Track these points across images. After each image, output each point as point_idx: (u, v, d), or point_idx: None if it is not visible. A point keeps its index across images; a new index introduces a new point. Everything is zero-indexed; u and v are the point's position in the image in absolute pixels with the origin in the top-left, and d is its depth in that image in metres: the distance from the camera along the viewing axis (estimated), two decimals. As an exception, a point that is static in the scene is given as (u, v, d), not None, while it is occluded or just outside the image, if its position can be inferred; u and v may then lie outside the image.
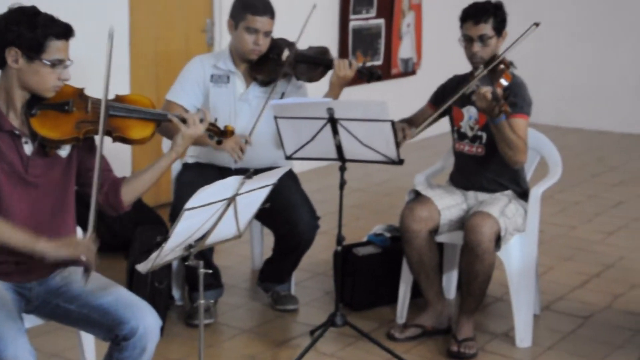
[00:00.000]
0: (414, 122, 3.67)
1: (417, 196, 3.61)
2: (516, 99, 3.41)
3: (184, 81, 3.68)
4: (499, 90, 3.25)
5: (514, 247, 3.49)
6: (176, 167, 3.84)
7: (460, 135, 3.65)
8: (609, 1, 7.82)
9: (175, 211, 3.33)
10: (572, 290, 4.13)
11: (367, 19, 6.76)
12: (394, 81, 7.07)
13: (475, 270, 3.35)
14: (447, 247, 3.86)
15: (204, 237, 2.48)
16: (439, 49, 7.23)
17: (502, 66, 3.40)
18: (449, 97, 3.51)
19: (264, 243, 4.24)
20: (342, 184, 3.32)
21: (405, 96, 6.16)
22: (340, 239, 3.37)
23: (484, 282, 3.39)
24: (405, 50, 7.22)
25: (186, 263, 2.51)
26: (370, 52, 6.84)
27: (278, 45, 3.69)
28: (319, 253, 4.28)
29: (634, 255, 4.58)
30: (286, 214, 3.57)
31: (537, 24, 3.37)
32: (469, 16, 3.48)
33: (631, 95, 7.76)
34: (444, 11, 6.63)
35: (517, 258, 3.50)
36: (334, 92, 3.65)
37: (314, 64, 3.71)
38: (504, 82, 3.35)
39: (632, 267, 4.43)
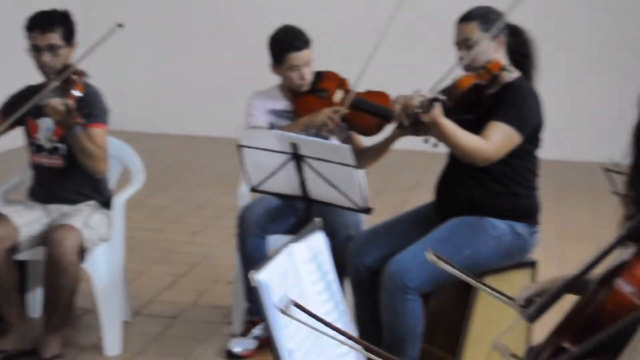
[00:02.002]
0: None
1: (-5, 215, 3.44)
2: (92, 108, 3.41)
3: None
4: (71, 102, 3.22)
5: (100, 257, 3.49)
6: None
7: (37, 148, 3.56)
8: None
9: None
10: (161, 292, 4.26)
11: None
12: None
13: (60, 285, 3.29)
14: (31, 264, 3.74)
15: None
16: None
17: (74, 76, 3.37)
18: (19, 108, 3.39)
19: None
20: None
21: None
22: None
23: (70, 296, 3.35)
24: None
25: None
26: None
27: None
28: None
29: (217, 252, 4.86)
30: None
31: (120, 25, 3.36)
32: (36, 25, 3.40)
33: (215, 98, 8.17)
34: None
35: (103, 268, 3.51)
36: None
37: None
38: (75, 93, 3.32)
39: (215, 263, 4.69)
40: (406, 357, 3.10)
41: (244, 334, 3.65)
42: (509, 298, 2.67)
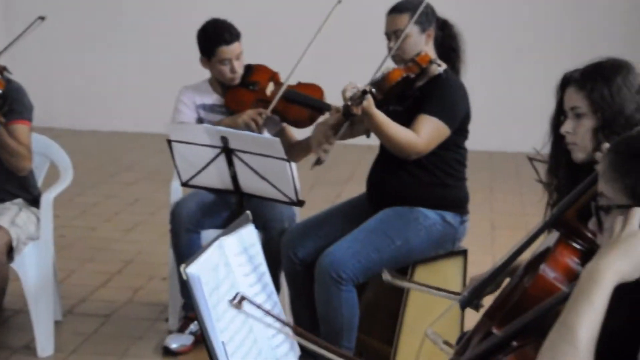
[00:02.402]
0: None
1: None
2: (14, 105, 3.34)
3: None
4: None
5: (29, 257, 3.43)
6: None
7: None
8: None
9: None
10: (94, 291, 4.20)
11: None
12: None
13: (-12, 286, 3.22)
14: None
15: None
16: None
17: (-5, 74, 3.29)
18: None
19: None
20: None
21: None
22: None
23: (-2, 297, 3.29)
24: None
25: None
26: None
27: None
28: None
29: (151, 248, 4.81)
30: None
31: (42, 18, 3.29)
32: None
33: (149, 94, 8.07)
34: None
35: (32, 267, 3.45)
36: None
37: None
38: (-4, 90, 3.25)
39: (150, 260, 4.64)
40: (341, 347, 3.12)
41: (181, 330, 3.62)
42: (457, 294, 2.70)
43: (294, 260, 3.25)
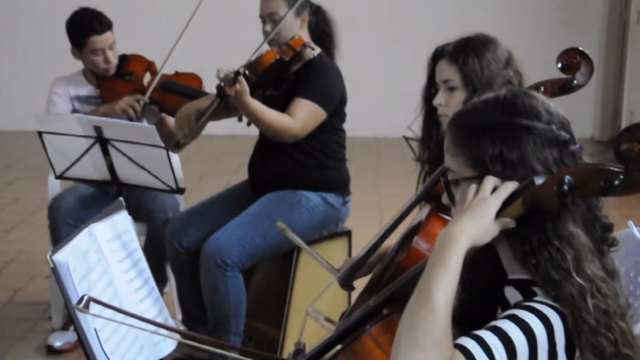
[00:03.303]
0: None
1: None
2: None
3: None
4: None
5: None
6: None
7: None
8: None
9: None
10: (-27, 293, 4.05)
11: None
12: None
13: None
14: None
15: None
16: None
17: None
18: None
19: None
20: None
21: None
22: None
23: None
24: None
25: None
26: None
27: None
28: None
29: (32, 248, 4.66)
30: None
31: None
32: None
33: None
34: None
35: None
36: None
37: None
38: None
39: (31, 259, 4.49)
40: (230, 333, 3.11)
41: (65, 327, 3.54)
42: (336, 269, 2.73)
43: (178, 250, 3.22)
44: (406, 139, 2.69)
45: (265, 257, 3.17)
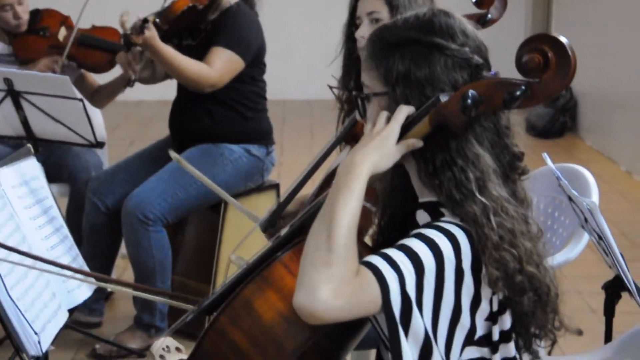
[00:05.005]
0: None
1: None
2: None
3: None
4: None
5: None
6: None
7: None
8: None
9: None
10: None
11: None
12: None
13: None
14: None
15: None
16: None
17: None
18: None
19: None
20: None
21: None
22: None
23: None
24: None
25: None
26: None
27: None
28: None
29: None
30: None
31: None
32: None
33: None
34: None
35: None
36: None
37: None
38: None
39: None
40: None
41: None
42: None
43: (100, 209, 3.15)
44: (331, 87, 2.67)
45: (189, 210, 3.13)
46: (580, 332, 1.46)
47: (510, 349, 1.43)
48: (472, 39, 1.45)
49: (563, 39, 1.34)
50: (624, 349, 1.69)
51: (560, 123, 6.40)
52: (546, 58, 1.33)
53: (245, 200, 3.23)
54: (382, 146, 1.39)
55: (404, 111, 1.41)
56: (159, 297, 1.98)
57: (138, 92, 3.32)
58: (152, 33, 2.85)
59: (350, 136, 2.25)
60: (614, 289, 1.94)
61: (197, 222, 3.36)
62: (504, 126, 1.45)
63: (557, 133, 6.37)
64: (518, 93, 1.34)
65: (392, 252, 1.35)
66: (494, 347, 1.42)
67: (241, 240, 2.46)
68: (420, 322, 1.33)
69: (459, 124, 1.38)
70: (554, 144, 6.17)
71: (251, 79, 3.17)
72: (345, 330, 1.47)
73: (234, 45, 3.03)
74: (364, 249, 1.41)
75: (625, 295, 1.94)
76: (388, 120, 1.41)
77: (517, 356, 1.45)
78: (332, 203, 1.36)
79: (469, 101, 1.35)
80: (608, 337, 2.00)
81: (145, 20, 2.84)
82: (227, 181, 3.10)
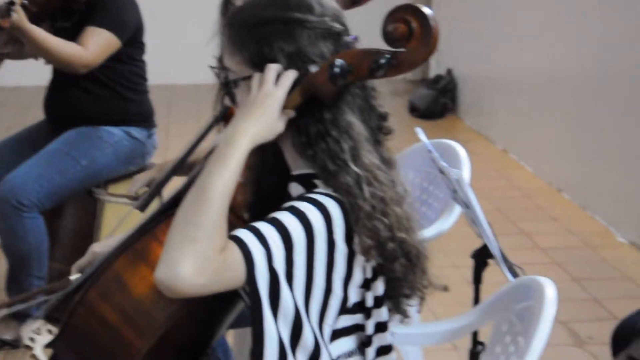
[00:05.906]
0: None
1: None
2: None
3: None
4: None
5: None
6: None
7: None
8: None
9: None
10: None
11: None
12: None
13: None
14: None
15: None
16: None
17: None
18: None
19: None
20: None
21: None
22: None
23: None
24: None
25: None
26: None
27: None
28: None
29: None
30: None
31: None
32: None
33: None
34: None
35: None
36: None
37: None
38: None
39: None
40: (32, 277, 2.98)
41: None
42: (125, 197, 2.66)
43: None
44: (212, 67, 2.65)
45: (67, 196, 3.05)
46: (446, 289, 1.51)
47: (383, 313, 1.46)
48: (328, 8, 1.46)
49: (426, 10, 1.37)
50: (488, 312, 1.76)
51: (441, 104, 6.56)
52: (410, 28, 1.36)
53: (124, 184, 3.17)
54: (266, 117, 1.38)
55: (290, 76, 1.40)
56: (35, 299, 1.91)
57: (15, 77, 3.18)
58: (20, 16, 2.74)
59: (229, 115, 2.23)
60: (481, 256, 2.01)
61: (75, 206, 3.27)
62: (371, 87, 1.47)
63: (439, 114, 6.54)
64: (383, 61, 1.36)
65: (262, 226, 1.34)
66: (367, 313, 1.45)
67: (115, 225, 2.42)
68: (289, 297, 1.33)
69: (329, 94, 1.40)
70: (435, 125, 6.33)
71: (129, 58, 3.10)
72: (220, 302, 1.47)
73: (108, 24, 2.95)
74: (239, 224, 1.41)
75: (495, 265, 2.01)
76: (272, 82, 1.39)
77: (389, 318, 1.49)
78: (206, 177, 1.34)
79: (337, 69, 1.37)
80: (476, 303, 2.07)
81: (11, 2, 2.71)
82: (108, 164, 3.03)
